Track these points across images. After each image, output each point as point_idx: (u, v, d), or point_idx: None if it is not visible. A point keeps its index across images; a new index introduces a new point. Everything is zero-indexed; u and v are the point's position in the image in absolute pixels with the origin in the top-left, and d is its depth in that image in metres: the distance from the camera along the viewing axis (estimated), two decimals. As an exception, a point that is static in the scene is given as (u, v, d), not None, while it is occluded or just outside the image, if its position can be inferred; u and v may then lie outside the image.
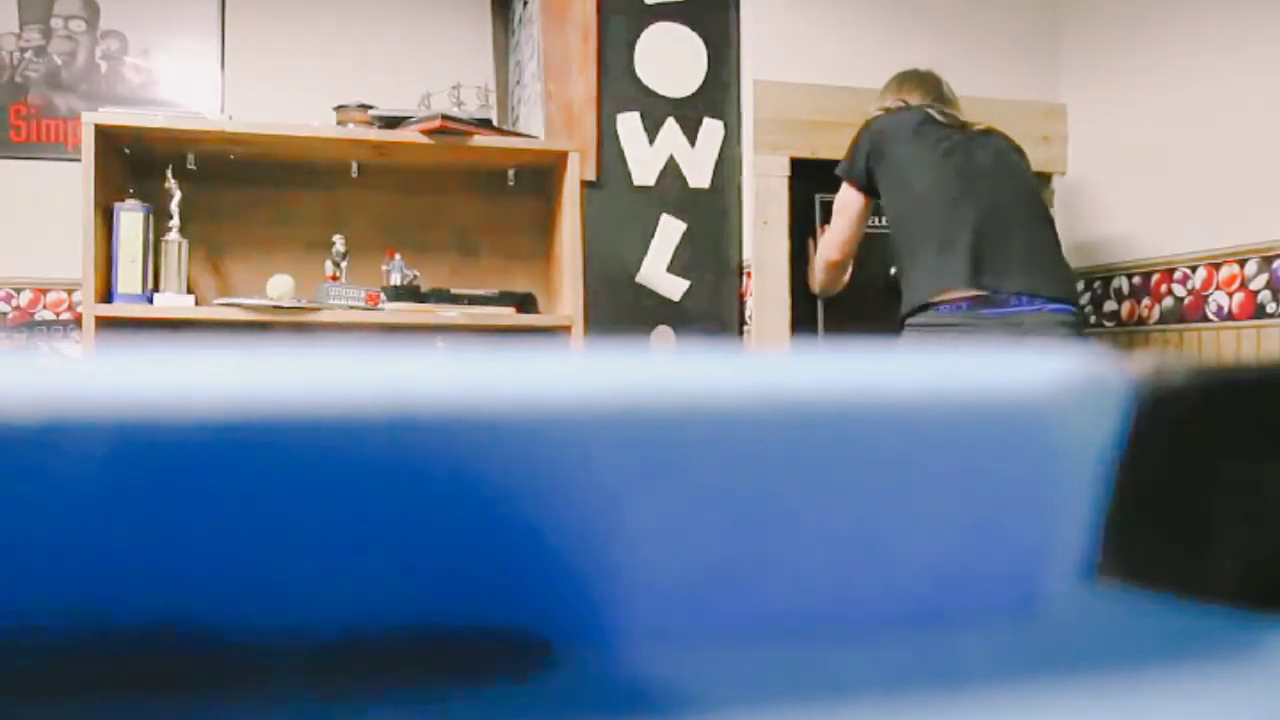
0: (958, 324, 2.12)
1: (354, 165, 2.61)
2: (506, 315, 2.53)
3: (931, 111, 2.30)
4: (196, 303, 2.38)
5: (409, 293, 2.49)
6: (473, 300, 2.53)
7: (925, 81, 2.42)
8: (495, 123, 2.65)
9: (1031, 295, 2.13)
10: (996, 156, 2.29)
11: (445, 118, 2.44)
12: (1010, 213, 2.20)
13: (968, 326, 2.11)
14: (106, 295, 2.31)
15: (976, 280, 2.11)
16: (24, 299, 3.06)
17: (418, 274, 2.55)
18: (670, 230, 2.91)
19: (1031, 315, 2.12)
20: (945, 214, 2.17)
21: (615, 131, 2.89)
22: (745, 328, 2.89)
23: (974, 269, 2.12)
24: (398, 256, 2.54)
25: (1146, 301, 2.88)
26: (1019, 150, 2.36)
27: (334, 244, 2.53)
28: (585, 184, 2.70)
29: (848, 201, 2.37)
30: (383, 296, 2.46)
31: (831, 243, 2.43)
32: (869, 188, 2.33)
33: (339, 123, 2.53)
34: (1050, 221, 2.31)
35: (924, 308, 2.16)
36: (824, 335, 2.83)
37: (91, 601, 0.28)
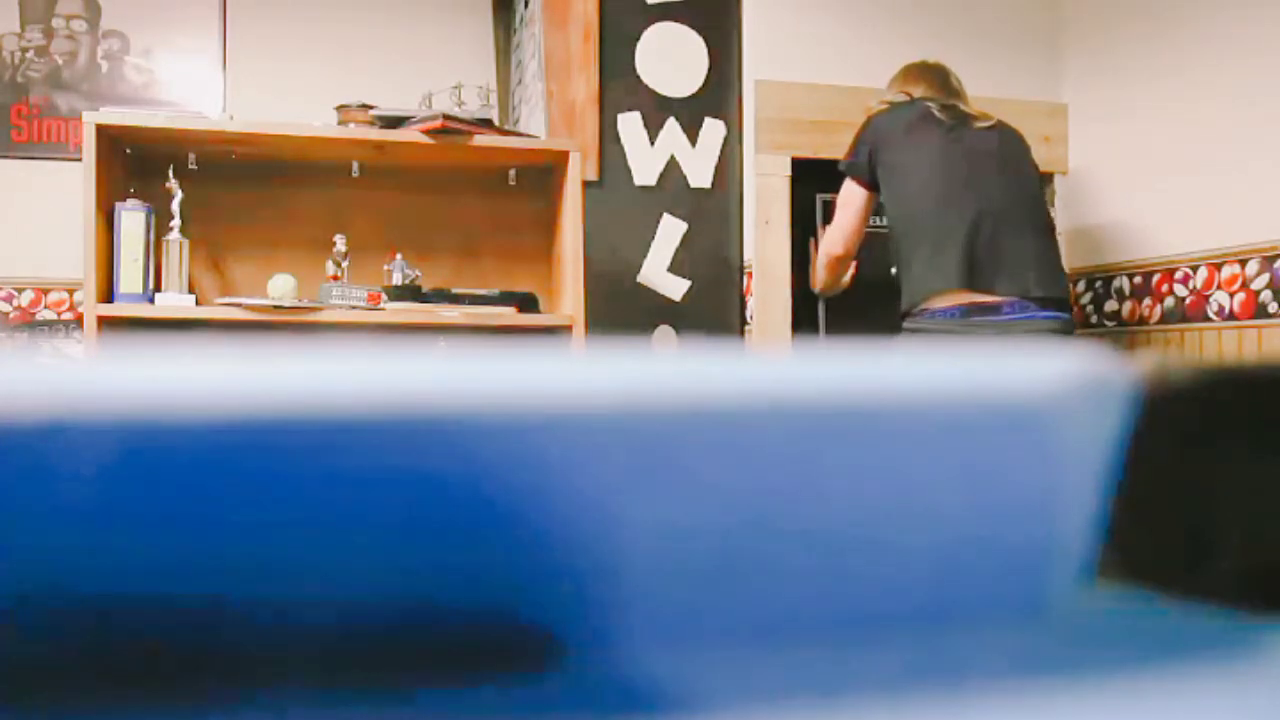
0: (950, 330, 2.13)
1: (355, 165, 2.61)
2: (508, 315, 2.53)
3: (931, 106, 2.29)
4: (198, 302, 2.38)
5: (410, 292, 2.49)
6: (474, 300, 2.53)
7: (931, 73, 2.41)
8: (496, 122, 2.66)
9: (1024, 302, 2.13)
10: (999, 154, 2.28)
11: (446, 117, 2.44)
12: (1006, 214, 2.20)
13: (960, 333, 2.12)
14: (108, 295, 2.31)
15: (968, 283, 2.12)
16: (25, 299, 3.07)
17: (419, 274, 2.56)
18: (671, 230, 2.91)
19: (1022, 323, 2.12)
20: (939, 214, 2.17)
21: (616, 131, 2.89)
22: (746, 328, 2.89)
23: (966, 271, 2.12)
24: (399, 256, 2.54)
25: (1148, 301, 2.88)
26: (1024, 146, 2.35)
27: (335, 244, 2.53)
28: (586, 184, 2.70)
29: (851, 195, 2.36)
30: (384, 296, 2.46)
31: (835, 237, 2.43)
32: (871, 182, 2.33)
33: (340, 122, 2.53)
34: (1049, 224, 2.31)
35: (919, 312, 2.17)
36: (825, 335, 2.82)
37: (93, 601, 0.28)
